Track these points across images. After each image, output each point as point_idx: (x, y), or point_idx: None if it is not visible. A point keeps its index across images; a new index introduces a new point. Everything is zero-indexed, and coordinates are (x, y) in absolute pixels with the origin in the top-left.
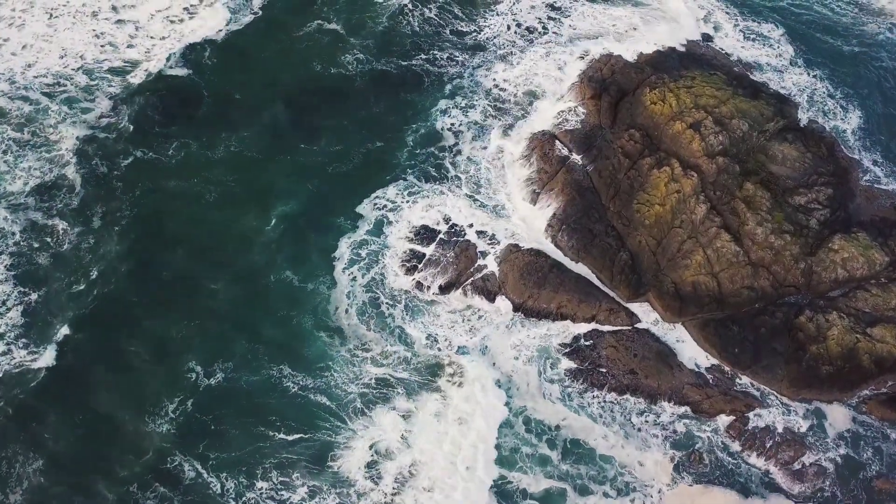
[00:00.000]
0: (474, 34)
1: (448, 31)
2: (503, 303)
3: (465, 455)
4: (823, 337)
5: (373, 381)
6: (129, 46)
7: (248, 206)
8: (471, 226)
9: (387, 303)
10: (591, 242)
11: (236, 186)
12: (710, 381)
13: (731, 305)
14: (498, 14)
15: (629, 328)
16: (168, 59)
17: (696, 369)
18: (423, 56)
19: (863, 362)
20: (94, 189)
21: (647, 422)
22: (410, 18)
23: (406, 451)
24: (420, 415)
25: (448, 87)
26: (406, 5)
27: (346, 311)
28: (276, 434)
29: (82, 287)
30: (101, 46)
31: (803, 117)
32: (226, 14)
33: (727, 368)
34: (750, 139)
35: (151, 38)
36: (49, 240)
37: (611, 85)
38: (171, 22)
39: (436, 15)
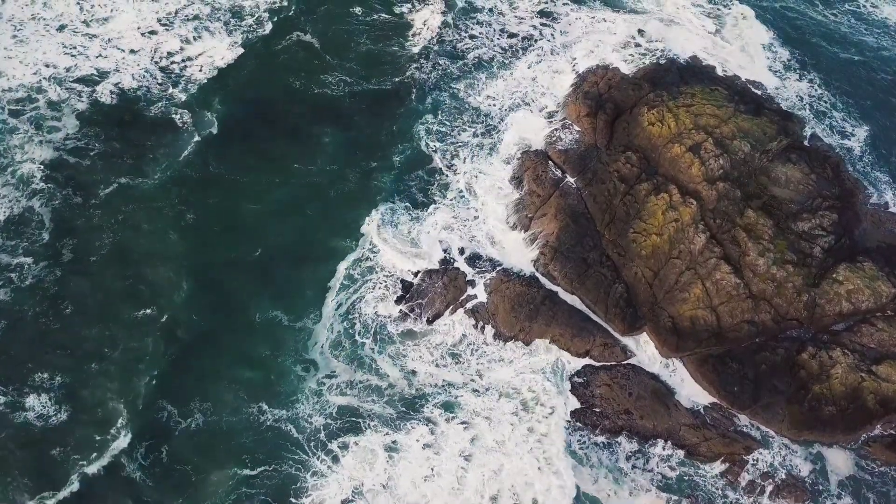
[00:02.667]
0: (461, 44)
1: (435, 43)
2: (491, 334)
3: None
4: (827, 375)
5: (350, 416)
6: (99, 56)
7: (233, 237)
8: (461, 252)
9: (371, 335)
10: (584, 273)
11: (220, 213)
12: (708, 421)
13: (731, 340)
14: (485, 25)
15: (624, 364)
16: (143, 76)
17: (694, 408)
18: (408, 71)
19: (867, 403)
20: (66, 220)
21: (640, 466)
22: (393, 32)
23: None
24: (400, 452)
25: (432, 103)
26: (389, 20)
27: (326, 344)
28: (242, 470)
29: (55, 324)
30: (73, 57)
31: (807, 134)
32: (205, 32)
33: (726, 408)
34: (752, 160)
35: (122, 50)
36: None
37: (607, 102)
38: (144, 35)
39: (424, 26)
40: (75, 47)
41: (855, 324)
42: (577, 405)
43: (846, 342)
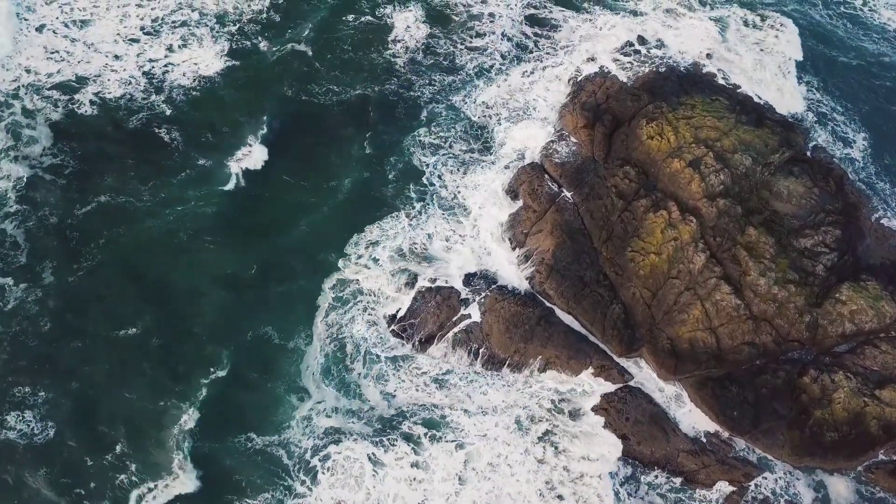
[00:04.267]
0: (455, 53)
1: (428, 52)
2: (485, 356)
3: None
4: (829, 400)
5: (335, 435)
6: (81, 61)
7: (224, 256)
8: (455, 270)
9: (362, 358)
10: (581, 292)
11: (211, 232)
12: (707, 446)
13: (731, 363)
14: (481, 33)
15: (622, 387)
16: (126, 84)
17: (693, 433)
18: (400, 80)
19: (870, 428)
20: (42, 241)
21: (636, 493)
22: (385, 39)
23: None
24: (385, 480)
25: (425, 113)
26: (376, 25)
27: (316, 368)
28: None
29: (37, 350)
30: (54, 63)
31: (810, 144)
32: (191, 39)
33: (725, 433)
34: (753, 174)
35: (105, 55)
36: None
37: (605, 113)
38: (128, 42)
39: (414, 34)
40: (57, 51)
41: (858, 345)
42: (572, 429)
43: (849, 364)
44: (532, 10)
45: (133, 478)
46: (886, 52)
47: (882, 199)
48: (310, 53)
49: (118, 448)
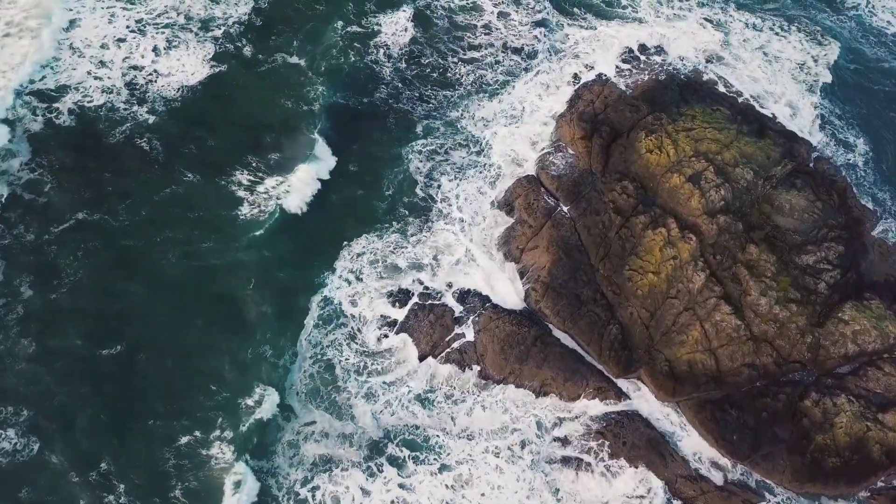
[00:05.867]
0: (450, 62)
1: (422, 62)
2: (479, 377)
3: None
4: (830, 424)
5: (326, 464)
6: (63, 68)
7: (209, 273)
8: (448, 286)
9: (347, 378)
10: (578, 311)
11: (193, 246)
12: (705, 471)
13: (730, 384)
14: (476, 41)
15: (619, 410)
16: (107, 92)
17: (691, 457)
18: (392, 92)
19: (873, 454)
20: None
21: None
22: (376, 48)
23: None
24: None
25: (422, 125)
26: (365, 32)
27: (301, 388)
28: None
29: (18, 368)
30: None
31: (813, 155)
32: (176, 46)
33: (724, 457)
34: (755, 188)
35: (86, 60)
36: None
37: (603, 124)
38: (110, 46)
39: (406, 43)
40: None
41: (861, 366)
42: (569, 454)
43: (851, 387)
44: (530, 19)
45: (121, 498)
46: (885, 57)
47: (886, 209)
48: (299, 63)
49: (103, 466)
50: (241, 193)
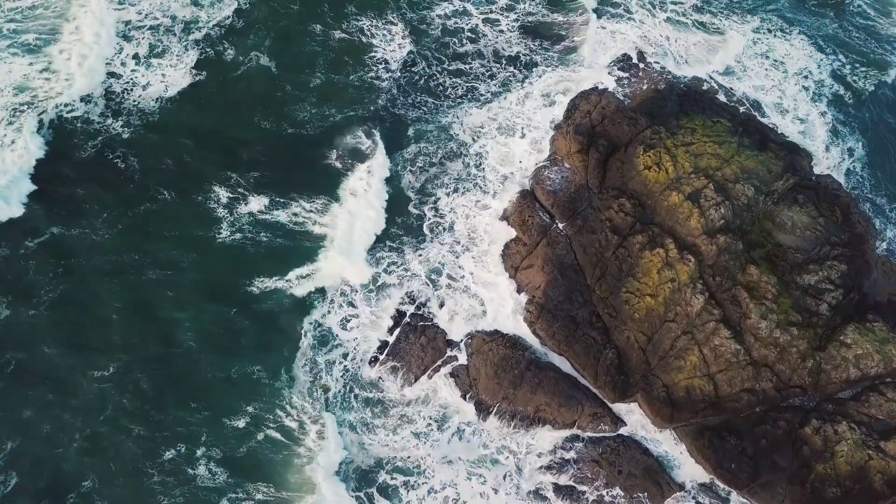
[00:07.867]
0: (441, 69)
1: (412, 69)
2: (471, 403)
3: None
4: (831, 453)
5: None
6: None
7: (195, 291)
8: (441, 306)
9: (339, 403)
10: (573, 334)
11: (181, 265)
12: (703, 500)
13: (729, 410)
14: (466, 54)
15: (614, 436)
16: (84, 102)
17: (688, 486)
18: (381, 101)
19: (874, 483)
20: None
21: None
22: (363, 57)
23: None
24: None
25: (412, 135)
26: (353, 41)
27: (293, 412)
28: None
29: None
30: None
31: (815, 169)
32: (154, 55)
33: (722, 486)
34: (756, 205)
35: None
36: None
37: (600, 137)
38: (86, 55)
39: (396, 51)
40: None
41: (863, 391)
42: (562, 482)
43: (853, 413)
44: (524, 25)
45: None
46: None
47: (891, 221)
48: (275, 70)
49: (85, 484)
50: (220, 212)
